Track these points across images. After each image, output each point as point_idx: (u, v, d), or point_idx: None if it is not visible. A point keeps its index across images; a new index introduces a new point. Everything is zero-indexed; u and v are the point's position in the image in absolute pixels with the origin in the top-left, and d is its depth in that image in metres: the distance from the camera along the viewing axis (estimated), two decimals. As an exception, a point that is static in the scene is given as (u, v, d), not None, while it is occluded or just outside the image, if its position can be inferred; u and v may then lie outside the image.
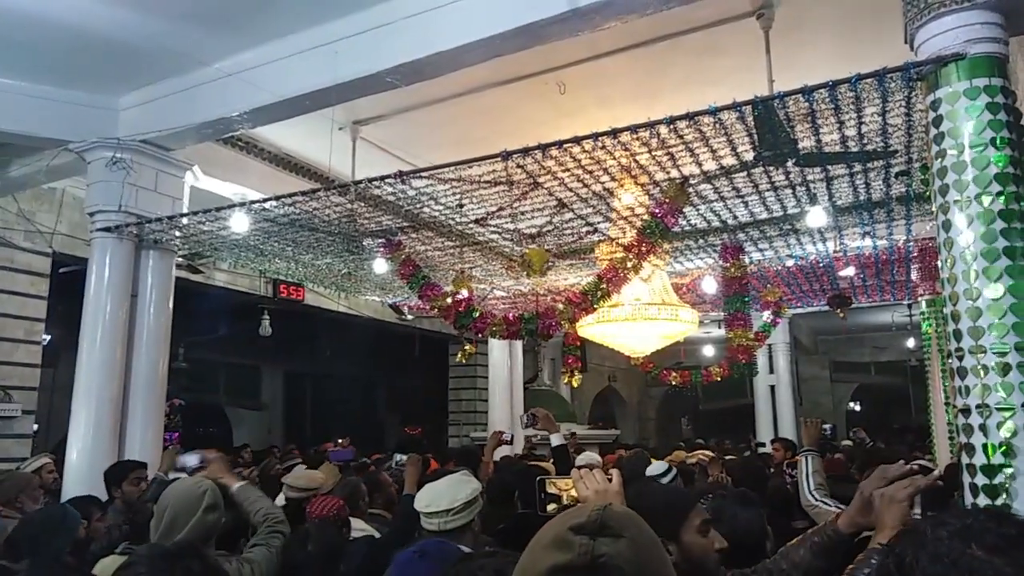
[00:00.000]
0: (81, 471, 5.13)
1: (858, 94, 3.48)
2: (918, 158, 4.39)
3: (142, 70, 5.24)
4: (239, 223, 5.28)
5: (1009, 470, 2.77)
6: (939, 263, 3.11)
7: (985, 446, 2.84)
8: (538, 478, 1.72)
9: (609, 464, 5.81)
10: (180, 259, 6.52)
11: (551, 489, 1.78)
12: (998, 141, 2.95)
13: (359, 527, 3.98)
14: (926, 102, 3.19)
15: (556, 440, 4.56)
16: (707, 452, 7.29)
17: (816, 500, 3.34)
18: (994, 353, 2.80)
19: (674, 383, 10.25)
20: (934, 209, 3.13)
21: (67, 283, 7.23)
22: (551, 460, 4.71)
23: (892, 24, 3.33)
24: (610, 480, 1.66)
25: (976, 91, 3.00)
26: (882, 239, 6.33)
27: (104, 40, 4.75)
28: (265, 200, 5.04)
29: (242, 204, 5.18)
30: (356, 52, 4.58)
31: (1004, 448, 2.77)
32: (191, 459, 3.64)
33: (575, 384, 11.10)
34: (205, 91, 5.17)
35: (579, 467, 1.82)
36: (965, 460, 2.99)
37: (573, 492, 1.70)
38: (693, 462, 6.35)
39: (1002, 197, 2.90)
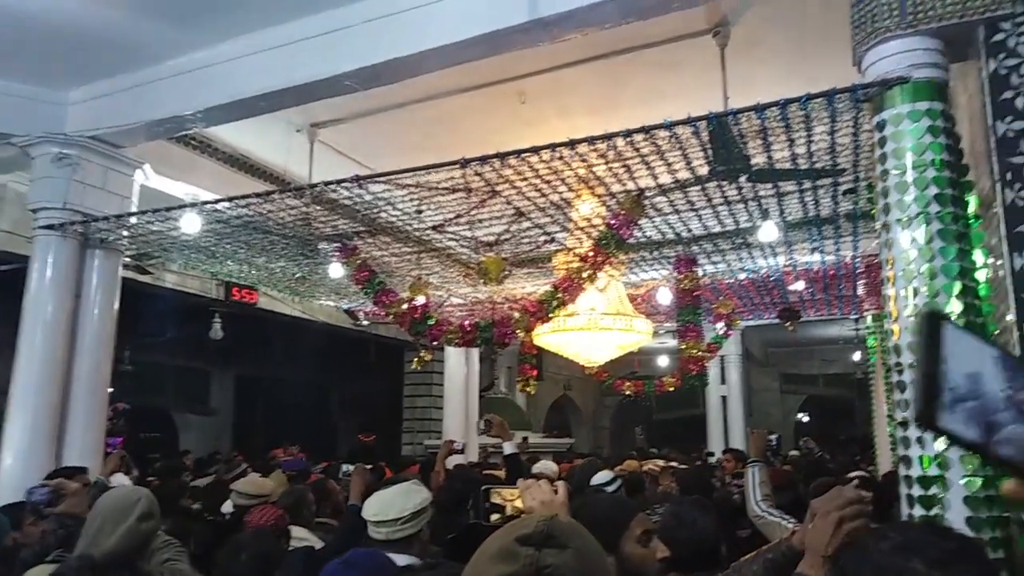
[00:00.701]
0: (15, 476, 4.93)
1: (808, 113, 3.58)
2: (865, 177, 4.53)
3: (92, 64, 5.09)
4: (190, 224, 5.15)
5: (943, 482, 2.86)
6: (882, 279, 3.21)
7: (921, 458, 2.93)
8: (483, 487, 1.72)
9: (563, 473, 5.83)
10: (127, 259, 6.34)
11: (495, 499, 1.78)
12: (938, 163, 3.06)
13: (302, 536, 3.92)
14: (872, 123, 3.30)
15: (508, 448, 4.55)
16: (658, 462, 7.36)
17: (762, 511, 3.39)
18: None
19: (628, 393, 10.36)
20: (878, 227, 3.23)
21: (7, 282, 6.96)
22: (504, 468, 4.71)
23: (843, 46, 3.43)
24: (556, 491, 1.66)
25: (919, 114, 3.11)
26: (830, 255, 6.50)
27: (52, 31, 4.61)
28: (218, 201, 4.95)
29: (194, 204, 5.06)
30: (314, 54, 4.53)
31: (939, 460, 2.86)
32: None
33: (531, 392, 11.13)
34: (158, 88, 5.05)
35: (535, 475, 1.83)
36: (903, 471, 3.07)
37: (518, 502, 1.70)
38: (645, 471, 6.40)
39: (940, 217, 3.01)
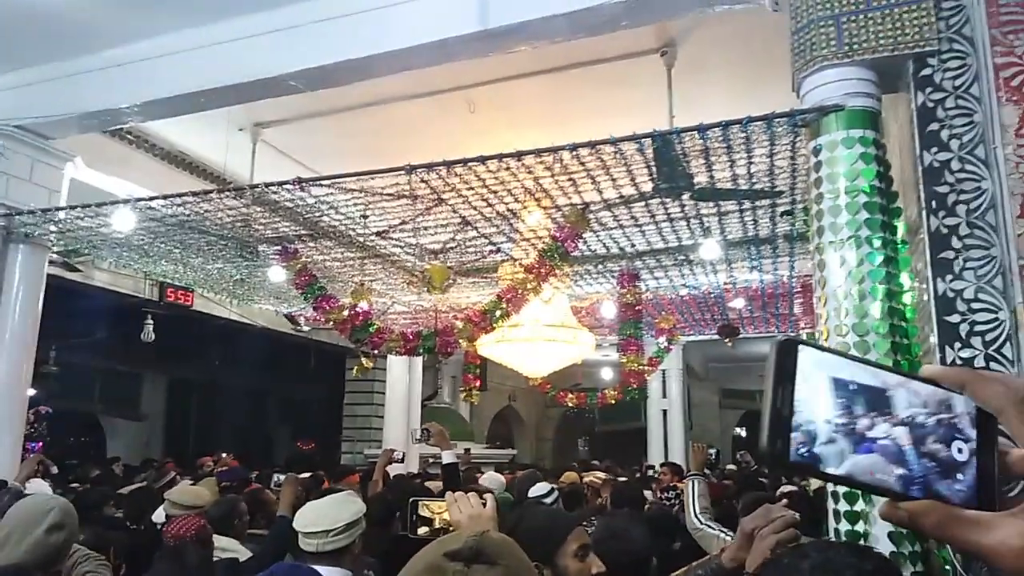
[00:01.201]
0: (-79, 483, 4.63)
1: (749, 135, 3.66)
2: (801, 199, 4.66)
3: (19, 50, 4.87)
4: (123, 221, 4.96)
5: (869, 496, 2.94)
6: (814, 299, 3.30)
7: (847, 493, 3.00)
8: (410, 500, 1.69)
9: (508, 484, 5.82)
10: (55, 255, 6.06)
11: (423, 512, 1.74)
12: (869, 189, 3.17)
13: (231, 548, 3.79)
14: (809, 148, 3.40)
15: (447, 458, 4.51)
16: (599, 474, 7.40)
17: (701, 523, 3.44)
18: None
19: (571, 404, 10.41)
20: (811, 248, 3.33)
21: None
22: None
23: (785, 72, 3.54)
24: (484, 504, 1.64)
25: (852, 141, 3.22)
26: (768, 274, 6.67)
27: (-22, 14, 4.39)
28: (152, 198, 4.77)
29: (127, 201, 4.87)
30: (259, 52, 4.43)
31: (865, 494, 2.93)
32: None
33: (474, 402, 11.08)
34: (92, 79, 4.86)
35: (479, 488, 1.80)
36: (829, 487, 3.16)
37: (446, 515, 1.67)
38: (599, 482, 6.40)
39: (870, 241, 3.11)
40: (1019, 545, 0.47)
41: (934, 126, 3.15)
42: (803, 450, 0.48)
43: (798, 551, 1.18)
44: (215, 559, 3.52)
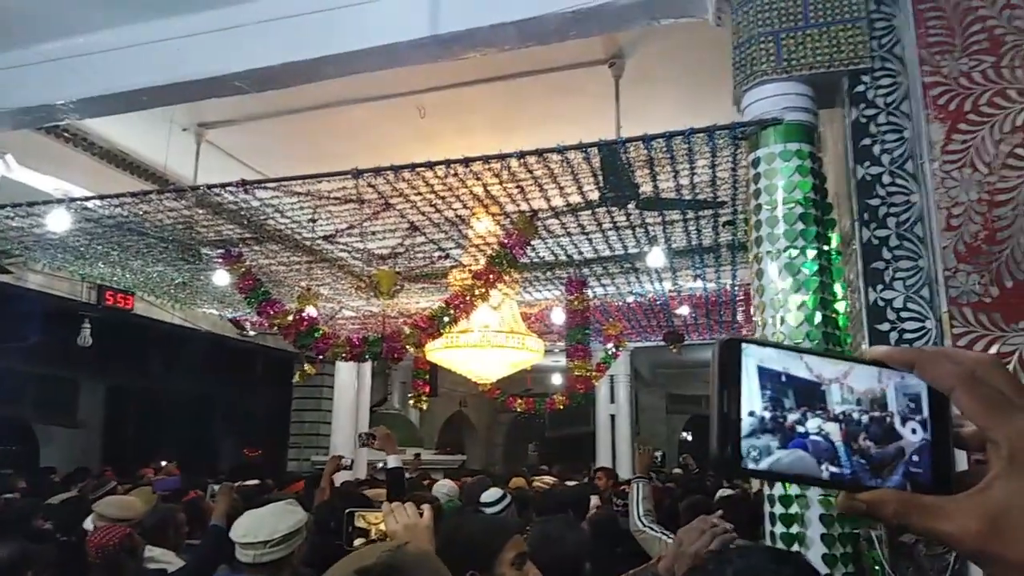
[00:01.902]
0: None
1: (691, 147, 3.75)
2: (742, 210, 4.78)
3: (-53, 42, 4.67)
4: (58, 221, 4.78)
5: (804, 500, 3.02)
6: (752, 307, 3.38)
7: (783, 478, 3.08)
8: (347, 511, 1.67)
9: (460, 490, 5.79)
10: (-17, 257, 5.81)
11: (360, 523, 1.72)
12: (805, 201, 3.27)
13: (164, 559, 3.68)
14: (748, 160, 3.49)
15: (392, 462, 4.47)
16: (547, 479, 7.43)
17: (644, 525, 3.49)
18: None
19: (520, 409, 10.43)
20: (750, 258, 3.42)
21: None
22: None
23: (728, 85, 3.63)
24: (421, 515, 1.63)
25: (789, 154, 3.32)
26: (712, 282, 6.82)
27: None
28: (88, 198, 4.62)
29: (61, 201, 4.71)
30: (203, 51, 4.33)
31: (799, 480, 3.02)
32: None
33: (423, 408, 11.00)
34: (25, 74, 4.67)
35: (430, 497, 1.79)
36: (766, 490, 3.24)
37: (383, 526, 1.65)
38: (545, 487, 6.42)
39: (804, 251, 3.21)
40: (976, 528, 0.47)
41: (867, 141, 3.27)
42: (755, 453, 0.47)
43: (721, 557, 1.21)
44: (147, 569, 3.42)
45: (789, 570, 1.16)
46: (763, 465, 0.47)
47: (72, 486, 8.10)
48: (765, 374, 0.49)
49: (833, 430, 0.49)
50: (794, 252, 3.22)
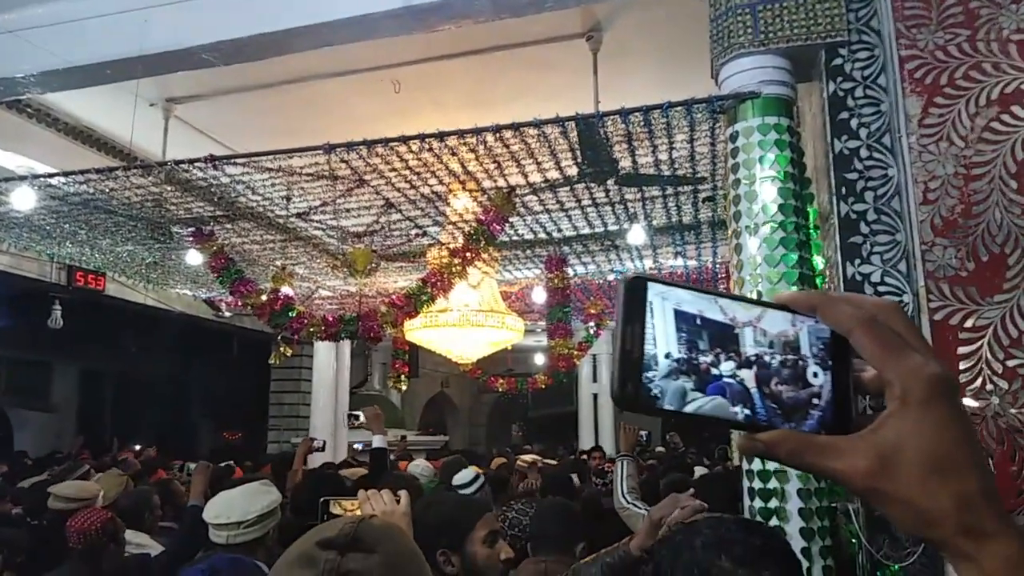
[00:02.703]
0: None
1: (669, 121, 3.70)
2: (721, 186, 4.75)
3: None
4: (21, 199, 4.64)
5: (784, 475, 3.03)
6: (731, 282, 3.37)
7: (760, 453, 3.09)
8: (321, 499, 1.63)
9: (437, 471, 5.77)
10: (-55, 236, 5.65)
11: (335, 510, 1.68)
12: (783, 175, 3.24)
13: (140, 542, 3.63)
14: (726, 134, 3.45)
15: (378, 442, 4.47)
16: (526, 457, 7.42)
17: (628, 503, 3.49)
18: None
19: (501, 390, 10.43)
20: (729, 233, 3.39)
21: None
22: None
23: (707, 59, 3.57)
24: (398, 501, 1.59)
25: (767, 128, 3.29)
26: (692, 259, 6.81)
27: None
28: (52, 175, 4.48)
29: (24, 177, 4.57)
30: (169, 23, 4.20)
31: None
32: None
33: (402, 389, 10.97)
34: (-17, 46, 4.51)
35: (405, 475, 1.75)
36: (745, 465, 3.24)
37: (359, 513, 1.61)
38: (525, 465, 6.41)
39: (783, 226, 3.19)
40: (864, 467, 0.48)
41: (844, 115, 3.24)
42: (656, 391, 0.47)
43: (691, 528, 1.19)
44: (126, 555, 3.36)
45: (758, 540, 1.16)
46: (674, 405, 0.48)
47: (45, 470, 7.99)
48: (681, 316, 0.49)
49: (746, 374, 0.50)
50: (772, 227, 3.20)
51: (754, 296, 3.13)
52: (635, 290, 0.49)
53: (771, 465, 3.09)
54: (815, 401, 0.51)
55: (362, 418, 10.58)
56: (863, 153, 3.21)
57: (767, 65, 3.31)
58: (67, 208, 4.99)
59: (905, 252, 3.11)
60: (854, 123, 3.22)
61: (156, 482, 4.76)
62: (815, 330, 0.52)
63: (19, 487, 5.20)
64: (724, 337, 0.50)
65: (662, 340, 0.48)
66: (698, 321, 0.49)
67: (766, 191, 3.23)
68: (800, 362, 0.51)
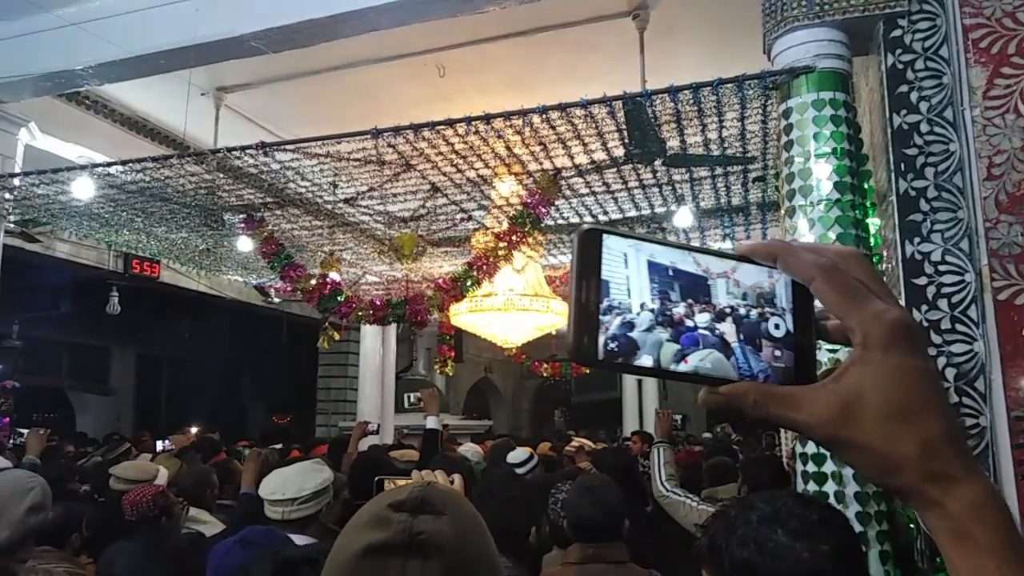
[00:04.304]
0: None
1: (720, 98, 3.62)
2: (773, 166, 4.65)
3: (-33, 8, 4.66)
4: (81, 188, 4.80)
5: (839, 459, 2.97)
6: (783, 264, 3.29)
7: (815, 436, 3.03)
8: (376, 478, 1.65)
9: (485, 454, 5.85)
10: (12, 225, 5.87)
11: (389, 487, 1.70)
12: (839, 152, 3.15)
13: (202, 518, 3.76)
14: (779, 110, 3.37)
15: (431, 423, 4.58)
16: (577, 441, 7.39)
17: (667, 491, 3.47)
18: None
19: (546, 374, 10.44)
20: (782, 213, 3.32)
21: None
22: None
23: (758, 35, 3.49)
24: (452, 482, 1.60)
25: (822, 103, 3.20)
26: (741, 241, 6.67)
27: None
28: (110, 164, 4.62)
29: (84, 167, 4.72)
30: (220, 12, 4.28)
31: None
32: None
33: (448, 373, 11.07)
34: (45, 39, 4.66)
35: (455, 456, 1.78)
36: (798, 449, 3.19)
37: None
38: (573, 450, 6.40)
39: (839, 204, 3.11)
40: (827, 415, 0.47)
41: (903, 88, 3.13)
42: (613, 345, 0.46)
43: (746, 502, 1.18)
44: (185, 531, 3.48)
45: (815, 513, 1.14)
46: (647, 361, 0.47)
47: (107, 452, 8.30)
48: (654, 268, 0.48)
49: (726, 326, 0.49)
50: (828, 206, 3.12)
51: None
52: (590, 241, 0.48)
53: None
54: (777, 353, 0.50)
55: (413, 399, 10.77)
56: (923, 128, 3.10)
57: (822, 38, 3.22)
58: (124, 196, 5.15)
59: (968, 230, 3.00)
60: (914, 96, 3.11)
61: (216, 463, 4.91)
62: (790, 282, 0.51)
63: (84, 467, 5.41)
64: (696, 288, 0.49)
65: (636, 292, 0.47)
66: (670, 272, 0.48)
67: (821, 169, 3.15)
68: (774, 314, 0.50)
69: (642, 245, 0.48)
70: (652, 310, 0.47)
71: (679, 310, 0.48)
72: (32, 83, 4.87)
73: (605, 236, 0.48)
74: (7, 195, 5.17)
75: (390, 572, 0.82)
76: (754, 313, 0.49)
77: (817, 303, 0.51)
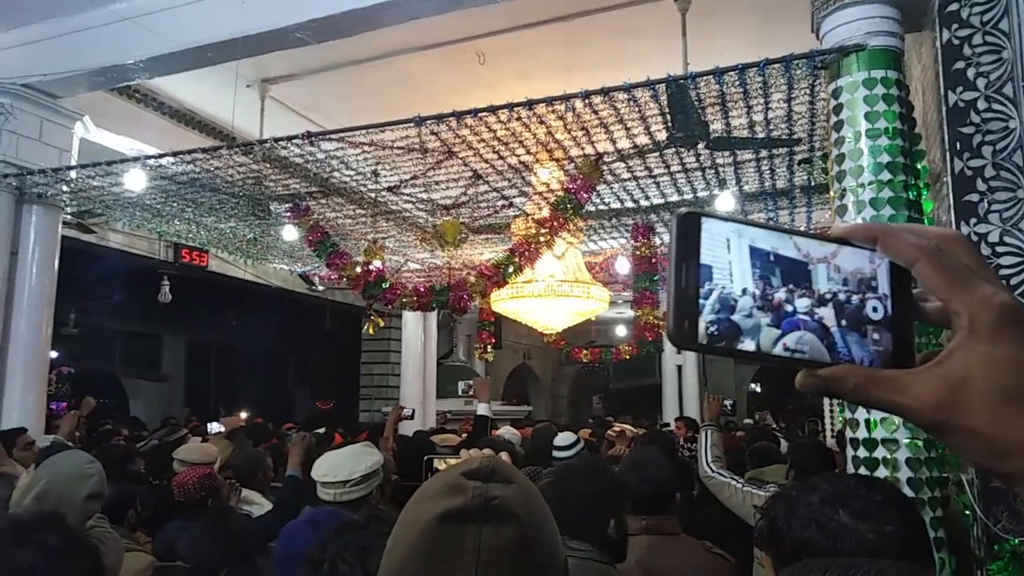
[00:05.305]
0: (-51, 439, 4.73)
1: (766, 79, 3.56)
2: (820, 147, 4.55)
3: (24, 6, 4.81)
4: (134, 180, 4.95)
5: (894, 444, 2.92)
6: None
7: (867, 421, 2.99)
8: (425, 457, 1.70)
9: (525, 438, 5.90)
10: (68, 217, 6.08)
11: (439, 467, 1.74)
12: (891, 131, 3.08)
13: (255, 500, 3.87)
14: (828, 90, 3.30)
15: (481, 409, 4.70)
16: (618, 426, 7.38)
17: (713, 472, 3.47)
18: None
19: (585, 360, 10.42)
20: (832, 194, 3.26)
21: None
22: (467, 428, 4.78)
23: (803, 14, 3.41)
24: None
25: (873, 82, 3.13)
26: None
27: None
28: (162, 156, 4.75)
29: (136, 159, 4.86)
30: (265, 4, 4.36)
31: (885, 421, 2.92)
32: None
33: (488, 359, 11.13)
34: (98, 34, 4.80)
35: (498, 441, 1.82)
36: (849, 434, 3.15)
37: None
38: (614, 434, 6.42)
39: (891, 185, 3.04)
40: (932, 399, 0.47)
41: (960, 64, 3.04)
42: (714, 329, 0.46)
43: (807, 483, 1.17)
44: (239, 511, 3.59)
45: (879, 494, 1.12)
46: (749, 345, 0.47)
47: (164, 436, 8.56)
48: (756, 253, 0.48)
49: (826, 312, 0.49)
50: (879, 187, 3.06)
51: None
52: (689, 226, 0.47)
53: (878, 433, 2.98)
54: (876, 336, 0.49)
55: (465, 387, 10.94)
56: (981, 105, 3.01)
57: (874, 15, 3.14)
58: (175, 187, 5.29)
59: (1027, 210, 2.91)
60: (971, 73, 3.02)
61: (270, 446, 5.05)
62: (888, 264, 0.50)
63: (142, 450, 5.60)
64: (797, 274, 0.48)
65: (738, 277, 0.47)
66: (771, 257, 0.48)
67: (872, 149, 3.08)
68: (873, 297, 0.50)
69: (744, 230, 0.48)
70: (753, 295, 0.47)
71: (780, 295, 0.48)
72: (86, 78, 5.03)
73: (704, 219, 0.48)
74: (64, 187, 5.35)
75: (466, 536, 0.84)
76: (855, 298, 0.49)
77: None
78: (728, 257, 0.47)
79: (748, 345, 0.47)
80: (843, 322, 0.49)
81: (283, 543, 2.46)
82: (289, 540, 2.40)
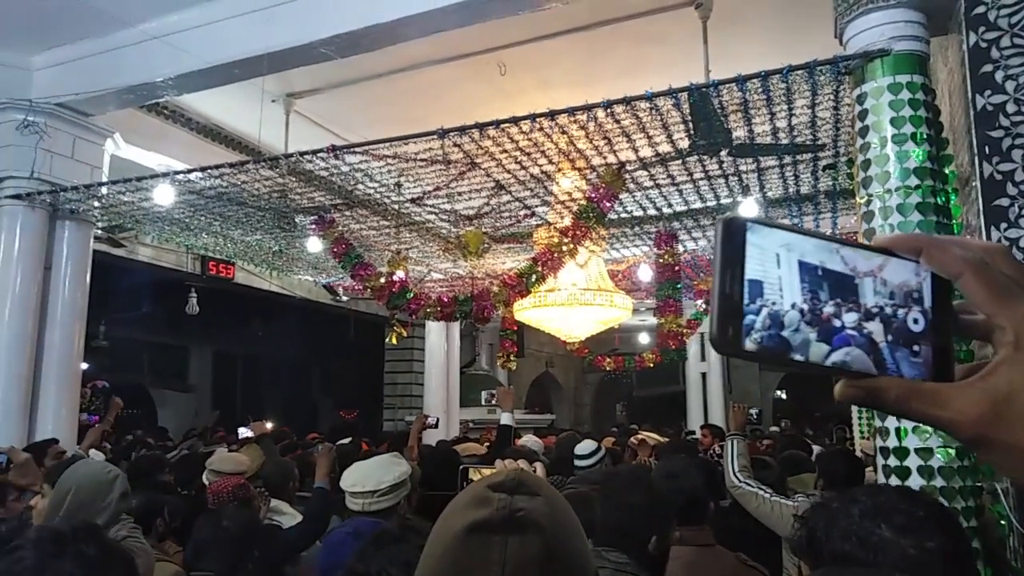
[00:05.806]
0: (-15, 451, 4.84)
1: (789, 86, 3.55)
2: (844, 153, 4.52)
3: (58, 28, 4.94)
4: (163, 194, 5.05)
5: (925, 453, 2.88)
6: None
7: (898, 430, 2.95)
8: (460, 467, 1.71)
9: (548, 447, 5.90)
10: (100, 232, 6.20)
11: (474, 477, 1.75)
12: (918, 136, 3.05)
13: (284, 509, 3.90)
14: (853, 96, 3.28)
15: (505, 419, 4.69)
16: (641, 435, 7.35)
17: (740, 482, 3.44)
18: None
19: (608, 369, 10.40)
20: (858, 201, 3.23)
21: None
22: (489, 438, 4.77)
23: (826, 20, 3.40)
24: (534, 471, 1.65)
25: (899, 87, 3.10)
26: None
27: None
28: (190, 171, 4.84)
29: (166, 174, 4.95)
30: (290, 20, 4.42)
31: (917, 430, 2.88)
32: None
33: (511, 368, 11.15)
34: (128, 54, 4.91)
35: (522, 450, 1.82)
36: (879, 443, 3.10)
37: None
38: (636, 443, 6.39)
39: (919, 191, 3.01)
40: (975, 414, 0.46)
41: (987, 67, 3.00)
42: (757, 336, 0.46)
43: (848, 495, 1.15)
44: (267, 522, 3.62)
45: (920, 509, 1.10)
46: (798, 355, 0.47)
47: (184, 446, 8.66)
48: (804, 267, 0.48)
49: (874, 326, 0.48)
50: (906, 192, 3.02)
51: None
52: (734, 232, 0.47)
53: (909, 442, 2.94)
54: (916, 348, 0.49)
55: (488, 396, 10.95)
56: (1010, 108, 2.97)
57: (898, 20, 3.12)
58: (203, 201, 5.38)
59: (1060, 214, 2.86)
60: (999, 76, 2.98)
61: (297, 456, 5.09)
62: (931, 276, 0.50)
63: (170, 459, 5.68)
64: (844, 288, 0.48)
65: (787, 292, 0.47)
66: (819, 272, 0.48)
67: (899, 154, 3.05)
68: (914, 309, 0.49)
69: (792, 244, 0.48)
70: (802, 310, 0.47)
71: (828, 309, 0.48)
72: (116, 96, 5.14)
73: (750, 225, 0.48)
74: (96, 203, 5.47)
75: (492, 547, 0.86)
76: (901, 312, 0.49)
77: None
78: (778, 272, 0.47)
79: (796, 355, 0.47)
80: (890, 336, 0.49)
81: (326, 554, 2.49)
82: (333, 551, 2.43)
